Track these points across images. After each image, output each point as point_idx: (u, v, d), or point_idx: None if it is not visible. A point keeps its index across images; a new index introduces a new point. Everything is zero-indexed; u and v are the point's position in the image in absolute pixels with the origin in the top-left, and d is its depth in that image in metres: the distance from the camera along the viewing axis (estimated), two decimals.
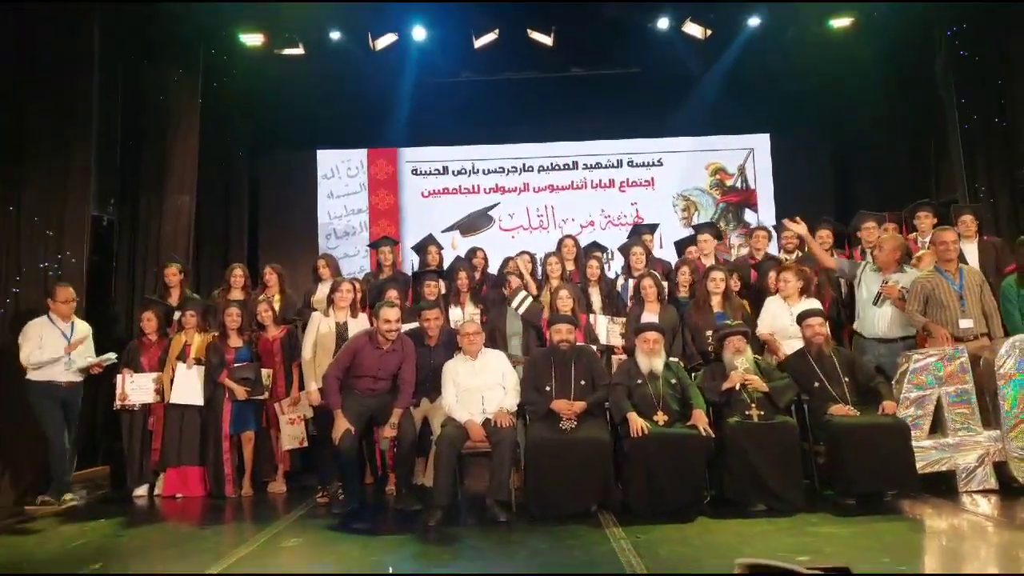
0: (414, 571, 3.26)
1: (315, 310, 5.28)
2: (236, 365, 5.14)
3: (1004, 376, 4.29)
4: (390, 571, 3.22)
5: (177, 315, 5.42)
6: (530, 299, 5.19)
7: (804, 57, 8.04)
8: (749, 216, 9.05)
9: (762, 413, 4.19)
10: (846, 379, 4.36)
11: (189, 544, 3.78)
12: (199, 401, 5.08)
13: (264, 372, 5.21)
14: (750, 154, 9.20)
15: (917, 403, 4.34)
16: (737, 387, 4.28)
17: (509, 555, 3.44)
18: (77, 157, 5.69)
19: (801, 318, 4.58)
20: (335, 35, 7.55)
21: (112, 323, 6.53)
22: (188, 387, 5.07)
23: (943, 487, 4.26)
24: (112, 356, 5.16)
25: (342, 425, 4.34)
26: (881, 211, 6.15)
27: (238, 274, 5.76)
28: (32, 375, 4.88)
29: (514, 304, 5.13)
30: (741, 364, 4.35)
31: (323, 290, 5.59)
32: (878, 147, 8.35)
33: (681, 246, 6.39)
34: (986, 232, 5.64)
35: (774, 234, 6.64)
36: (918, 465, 4.10)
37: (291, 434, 5.14)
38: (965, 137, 6.61)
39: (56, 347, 4.92)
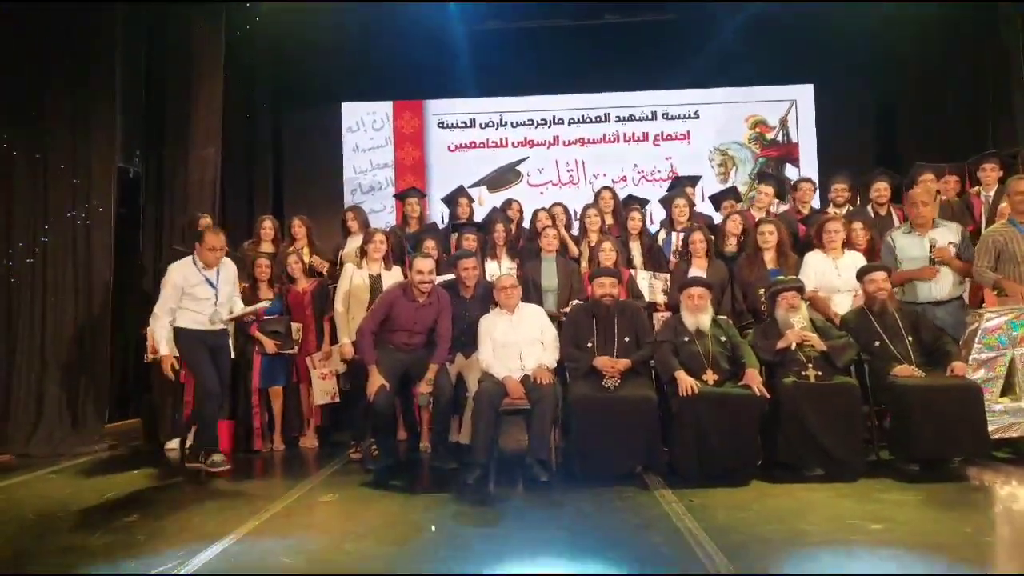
0: (457, 531, 3.11)
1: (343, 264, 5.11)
2: (266, 318, 5.00)
3: None
4: (432, 530, 3.08)
5: None
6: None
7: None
8: (790, 171, 8.65)
9: (819, 374, 3.95)
10: (910, 338, 4.10)
11: (224, 499, 3.68)
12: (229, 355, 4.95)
13: (294, 326, 5.07)
14: (792, 106, 8.77)
15: (987, 364, 4.07)
16: (793, 346, 4.04)
17: (554, 517, 3.29)
18: (102, 105, 5.54)
19: (863, 273, 4.31)
20: None
21: (140, 275, 6.45)
22: None
23: (1013, 453, 4.04)
24: (265, 304, 4.85)
25: (376, 380, 4.19)
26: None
27: (267, 226, 5.60)
28: (179, 322, 4.36)
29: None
30: (797, 322, 4.10)
31: (352, 243, 5.42)
32: (929, 98, 7.89)
33: (718, 201, 6.09)
34: None
35: (818, 187, 6.32)
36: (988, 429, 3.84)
37: (323, 389, 5.02)
38: None
39: (200, 297, 4.36)
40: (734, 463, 3.78)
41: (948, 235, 4.52)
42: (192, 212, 5.90)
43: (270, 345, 4.93)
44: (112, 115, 5.55)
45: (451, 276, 4.70)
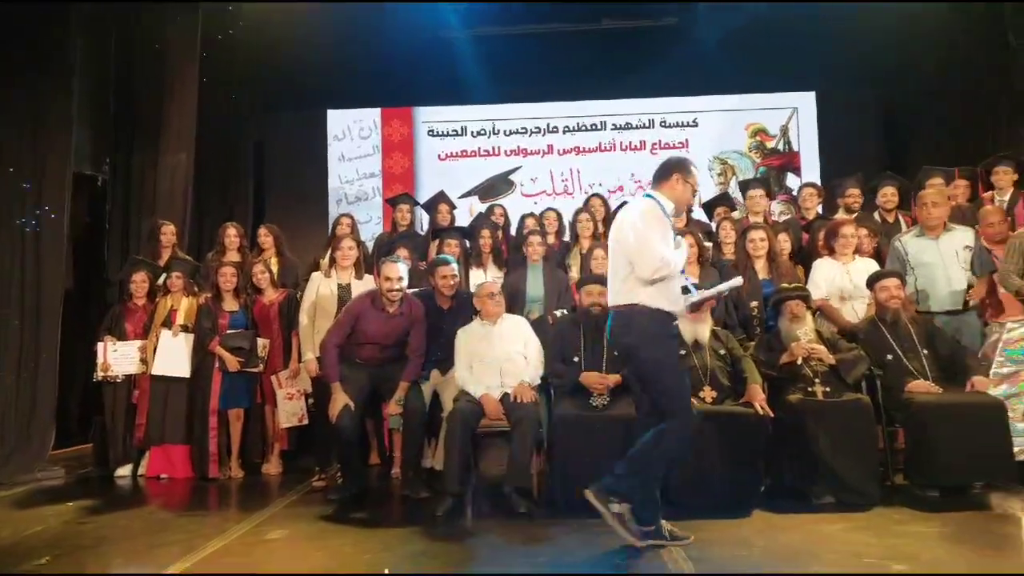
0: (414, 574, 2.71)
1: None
2: (229, 332, 4.61)
3: None
4: (386, 573, 2.68)
5: (163, 277, 4.91)
6: None
7: (853, 7, 7.26)
8: (791, 181, 8.34)
9: (827, 390, 3.58)
10: (925, 351, 3.74)
11: (159, 534, 3.26)
12: (185, 373, 4.57)
13: (260, 342, 4.68)
14: (794, 113, 8.48)
15: (1009, 379, 3.71)
16: (799, 360, 3.66)
17: (532, 555, 2.89)
18: (56, 106, 5.15)
19: (874, 279, 3.93)
20: None
21: (105, 287, 6.10)
22: (173, 357, 4.56)
23: None
24: (738, 280, 3.56)
25: (340, 400, 3.81)
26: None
27: (231, 234, 5.23)
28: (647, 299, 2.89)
29: None
30: (803, 333, 3.72)
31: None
32: (937, 105, 7.56)
33: (710, 208, 5.71)
34: None
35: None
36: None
37: (289, 410, 4.61)
38: None
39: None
40: (735, 489, 3.38)
41: (962, 239, 4.28)
42: (155, 220, 5.55)
43: (232, 362, 4.53)
44: (68, 116, 5.18)
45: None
